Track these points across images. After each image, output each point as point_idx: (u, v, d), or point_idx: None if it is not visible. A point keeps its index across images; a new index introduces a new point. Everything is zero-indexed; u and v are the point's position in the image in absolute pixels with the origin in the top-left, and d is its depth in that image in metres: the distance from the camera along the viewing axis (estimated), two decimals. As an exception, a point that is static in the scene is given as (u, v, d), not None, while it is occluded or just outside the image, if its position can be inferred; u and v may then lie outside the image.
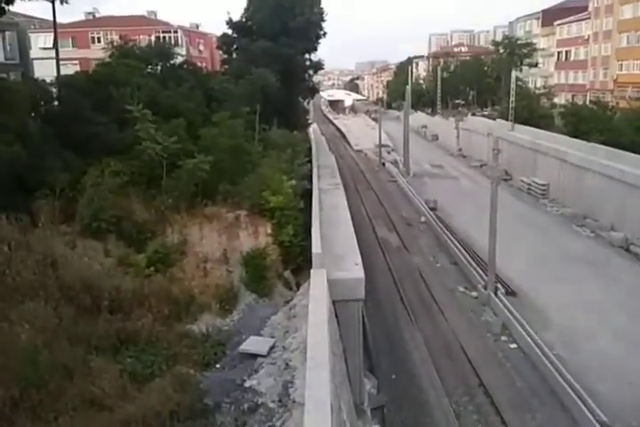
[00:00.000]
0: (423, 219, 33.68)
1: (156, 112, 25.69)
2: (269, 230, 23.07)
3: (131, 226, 20.17)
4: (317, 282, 14.71)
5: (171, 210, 22.21)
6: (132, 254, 18.67)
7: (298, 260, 22.66)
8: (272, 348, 14.64)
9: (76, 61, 46.41)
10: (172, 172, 23.57)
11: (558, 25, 67.30)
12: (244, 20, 44.51)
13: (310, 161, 36.66)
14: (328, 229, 20.79)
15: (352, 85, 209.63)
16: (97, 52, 39.00)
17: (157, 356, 13.95)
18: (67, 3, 28.92)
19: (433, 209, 34.76)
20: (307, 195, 27.39)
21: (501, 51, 69.14)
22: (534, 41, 68.96)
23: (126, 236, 19.77)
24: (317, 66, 47.70)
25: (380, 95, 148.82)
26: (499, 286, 22.44)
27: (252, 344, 15.00)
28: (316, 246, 16.56)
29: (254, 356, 14.40)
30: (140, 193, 22.13)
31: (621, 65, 55.53)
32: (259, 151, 29.51)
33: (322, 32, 45.25)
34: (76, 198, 20.41)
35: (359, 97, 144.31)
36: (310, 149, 43.87)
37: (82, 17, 54.75)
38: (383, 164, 53.45)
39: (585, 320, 20.16)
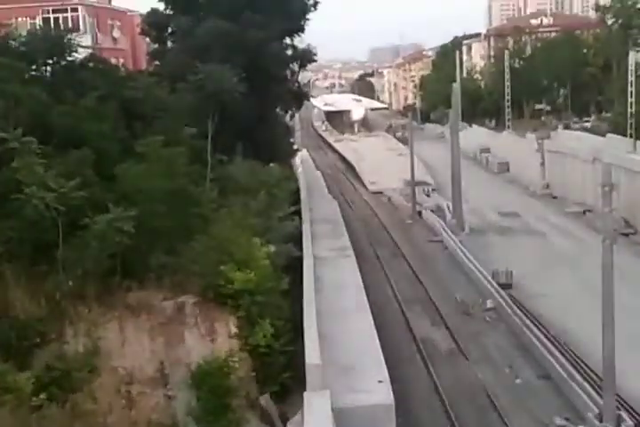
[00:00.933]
0: (490, 303, 34.19)
1: (47, 140, 26.54)
2: (234, 328, 23.51)
3: (8, 327, 20.65)
4: (316, 413, 15.32)
5: (72, 298, 22.67)
6: (10, 373, 19.11)
7: (282, 376, 23.03)
8: None
9: None
10: (74, 236, 24.08)
11: None
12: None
13: (299, 212, 37.57)
14: (331, 324, 21.45)
15: (364, 85, 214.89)
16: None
17: None
18: None
19: (506, 287, 35.34)
20: (294, 268, 28.04)
21: (610, 21, 71.63)
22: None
23: (2, 343, 20.22)
24: (306, 57, 49.64)
25: (411, 100, 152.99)
26: (623, 415, 22.74)
27: None
28: (312, 354, 17.20)
29: None
30: (21, 272, 22.67)
31: None
32: (213, 199, 30.34)
33: (311, 2, 47.57)
34: None
35: (375, 104, 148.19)
36: (298, 191, 44.94)
37: None
38: (419, 213, 54.52)
39: None
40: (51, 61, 34.34)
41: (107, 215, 23.86)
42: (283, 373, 23.18)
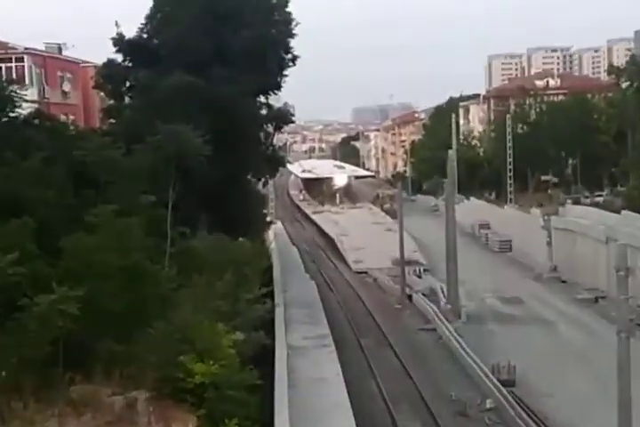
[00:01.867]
0: (490, 403, 33.94)
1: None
2: (193, 430, 23.21)
3: None
4: None
5: (5, 392, 22.35)
6: None
7: None
8: None
9: None
10: (10, 318, 23.85)
11: None
12: (144, 36, 47.72)
13: (271, 294, 37.52)
14: (306, 424, 21.23)
15: (347, 151, 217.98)
16: None
17: None
18: None
19: (508, 384, 35.10)
20: (265, 359, 27.87)
21: (624, 84, 73.37)
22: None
23: None
24: (282, 117, 50.57)
25: (401, 168, 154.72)
26: None
27: None
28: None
29: None
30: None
31: None
32: (172, 278, 30.26)
33: (289, 56, 48.67)
34: None
35: (360, 172, 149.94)
36: (271, 270, 44.94)
37: None
38: (409, 296, 54.56)
39: None
40: (-10, 117, 34.57)
41: (49, 295, 23.58)
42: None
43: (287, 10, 47.96)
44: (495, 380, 35.35)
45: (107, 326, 25.11)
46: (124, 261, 26.89)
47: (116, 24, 46.56)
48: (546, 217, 62.89)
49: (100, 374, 23.85)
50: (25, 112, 37.12)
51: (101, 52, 49.90)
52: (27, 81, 49.32)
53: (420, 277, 61.64)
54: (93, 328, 24.51)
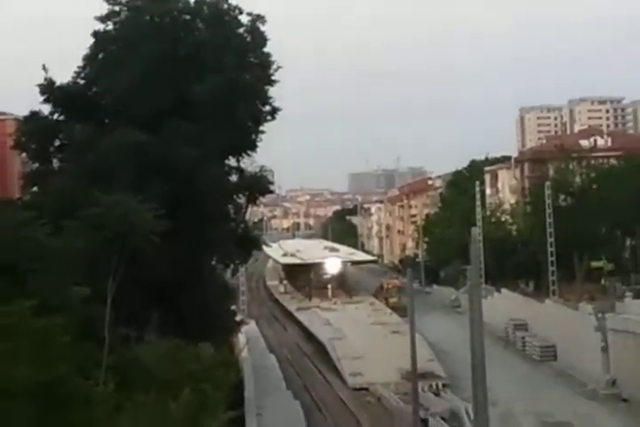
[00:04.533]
0: None
1: None
2: None
3: None
4: None
5: None
6: None
7: None
8: None
9: None
10: None
11: None
12: (81, 82, 47.78)
13: (241, 419, 36.75)
14: None
15: (342, 228, 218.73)
16: None
17: None
18: None
19: None
20: None
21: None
22: None
23: None
24: (258, 185, 50.43)
25: (411, 251, 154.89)
26: None
27: None
28: None
29: None
30: None
31: None
32: (109, 396, 29.64)
33: (267, 108, 48.80)
34: None
35: (359, 255, 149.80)
36: (241, 386, 44.18)
37: None
38: (424, 421, 53.62)
39: None
40: None
41: None
42: None
43: (265, 50, 48.14)
44: None
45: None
46: (44, 375, 26.38)
47: (44, 68, 46.70)
48: (600, 315, 62.43)
49: None
50: None
51: (25, 101, 49.89)
52: None
53: (437, 394, 60.82)
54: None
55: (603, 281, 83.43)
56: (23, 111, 49.95)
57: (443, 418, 53.65)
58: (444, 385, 62.93)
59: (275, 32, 48.17)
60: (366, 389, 64.62)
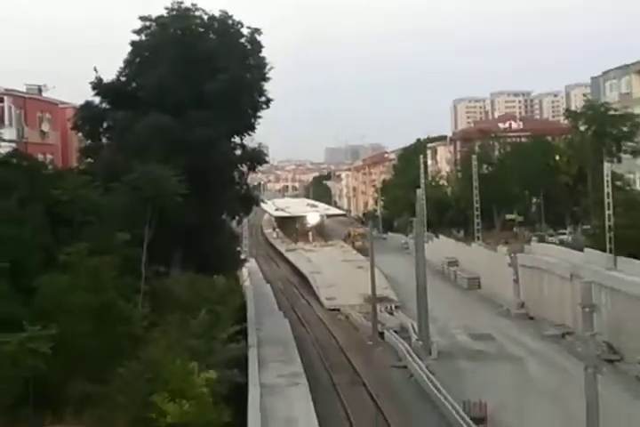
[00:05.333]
0: (462, 440, 33.42)
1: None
2: (165, 472, 22.50)
3: None
4: None
5: None
6: None
7: None
8: None
9: None
10: None
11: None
12: (122, 80, 47.59)
13: (244, 332, 36.91)
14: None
15: (320, 190, 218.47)
16: None
17: None
18: None
19: (479, 421, 34.39)
20: (238, 397, 27.16)
21: (582, 127, 74.10)
22: (637, 111, 74.06)
23: None
24: (256, 157, 50.31)
25: (372, 207, 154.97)
26: None
27: None
28: None
29: None
30: None
31: None
32: (145, 316, 29.72)
33: (263, 99, 48.61)
34: None
35: (332, 210, 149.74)
36: (244, 308, 44.35)
37: None
38: (381, 334, 53.91)
39: None
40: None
41: (19, 334, 23.12)
42: None
43: (261, 55, 48.00)
44: (466, 417, 34.68)
45: (78, 365, 24.73)
46: (96, 300, 26.56)
47: (95, 69, 46.81)
48: (512, 255, 62.81)
49: (70, 416, 23.37)
50: (2, 152, 36.84)
51: (81, 93, 49.74)
52: (5, 121, 49.16)
53: (391, 314, 61.08)
54: (64, 368, 24.05)
55: (515, 229, 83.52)
56: (73, 100, 50.09)
57: (395, 331, 53.98)
58: (396, 307, 63.19)
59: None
60: (338, 309, 64.95)
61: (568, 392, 34.53)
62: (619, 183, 60.57)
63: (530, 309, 58.90)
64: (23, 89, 58.23)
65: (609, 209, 50.81)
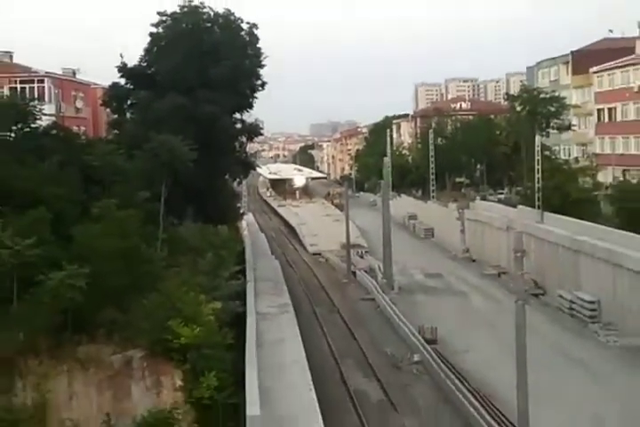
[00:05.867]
0: (417, 357, 33.78)
1: (6, 200, 25.99)
2: (179, 381, 22.80)
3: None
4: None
5: (22, 352, 21.85)
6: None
7: (226, 427, 22.28)
8: None
9: None
10: (27, 292, 23.45)
11: (596, 73, 72.59)
12: (143, 65, 47.09)
13: (244, 271, 37.15)
14: (271, 377, 20.90)
15: (305, 157, 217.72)
16: None
17: None
18: None
19: (432, 342, 34.96)
20: (238, 323, 27.47)
21: (518, 108, 74.13)
22: (564, 94, 74.27)
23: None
24: (253, 130, 50.10)
25: (347, 171, 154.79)
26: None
27: None
28: (253, 405, 16.58)
29: None
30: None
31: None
32: (163, 258, 29.87)
33: (259, 82, 48.24)
34: None
35: (315, 174, 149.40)
36: (243, 252, 44.54)
37: None
38: (354, 273, 54.29)
39: None
40: (14, 128, 33.92)
41: (60, 272, 23.38)
42: (225, 424, 22.35)
43: (257, 46, 47.59)
44: (421, 339, 35.28)
45: (108, 297, 24.93)
46: (123, 245, 26.77)
47: (121, 56, 46.24)
48: (460, 210, 62.93)
49: (102, 337, 23.72)
50: (44, 124, 36.66)
51: (108, 75, 49.42)
52: (46, 99, 48.82)
53: (362, 257, 61.19)
54: (97, 299, 24.29)
55: (462, 190, 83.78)
56: (106, 83, 49.67)
57: (365, 271, 54.31)
58: (365, 252, 63.31)
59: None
60: (319, 254, 65.17)
61: (502, 319, 34.89)
62: (547, 153, 60.86)
63: (473, 253, 59.26)
64: (60, 71, 58.00)
65: (538, 173, 51.19)
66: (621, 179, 59.06)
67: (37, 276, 23.46)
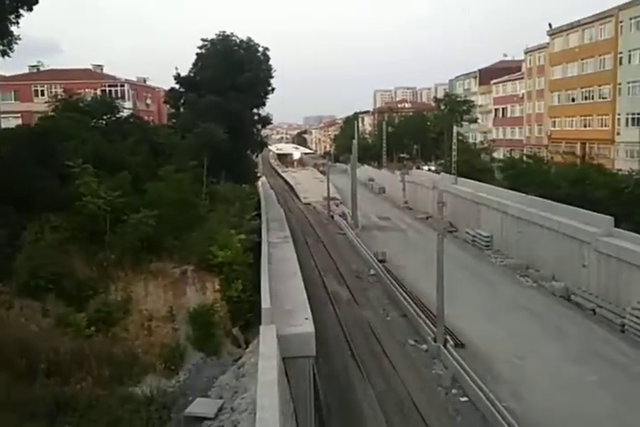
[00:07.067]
0: (372, 271, 34.12)
1: (101, 166, 25.74)
2: (217, 286, 22.92)
3: (71, 284, 19.72)
4: (267, 338, 14.65)
5: (114, 266, 21.88)
6: (71, 314, 18.13)
7: (247, 316, 22.49)
8: (220, 410, 14.32)
9: (18, 114, 46.17)
10: (116, 227, 23.38)
11: (494, 84, 72.69)
12: (192, 75, 46.07)
13: (259, 215, 37.14)
14: (277, 283, 20.90)
15: (300, 139, 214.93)
16: (40, 105, 38.86)
17: (97, 422, 13.38)
18: (8, 56, 28.71)
19: (382, 261, 35.29)
20: (256, 249, 27.55)
21: (442, 107, 73.60)
22: (473, 98, 73.99)
23: (66, 294, 19.28)
24: (266, 120, 49.43)
25: (328, 149, 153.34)
26: (448, 338, 22.77)
27: (199, 406, 14.65)
28: (266, 301, 16.62)
29: (201, 419, 14.02)
30: (81, 249, 21.81)
31: (554, 122, 60.13)
32: (206, 205, 29.76)
33: (270, 88, 47.40)
34: (14, 255, 19.85)
35: (307, 151, 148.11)
36: (259, 202, 44.42)
37: (25, 70, 54.56)
38: (332, 216, 54.29)
39: (532, 370, 20.76)
40: (105, 117, 33.39)
41: (138, 214, 23.32)
42: (247, 314, 22.65)
43: (269, 62, 46.86)
44: (375, 259, 35.58)
45: (170, 231, 24.93)
46: (179, 196, 26.58)
47: (176, 68, 45.49)
48: (402, 175, 62.63)
49: (166, 257, 23.74)
50: (125, 114, 36.10)
51: (168, 82, 48.48)
52: (126, 98, 48.03)
53: (337, 206, 60.81)
54: (162, 232, 24.35)
55: (404, 162, 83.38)
56: (166, 87, 48.74)
57: (339, 215, 54.25)
58: (340, 202, 63.13)
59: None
60: (309, 203, 65.00)
61: (428, 247, 35.07)
62: (460, 138, 60.73)
63: (410, 204, 59.08)
64: (135, 79, 56.89)
65: (454, 151, 51.08)
66: (508, 155, 59.12)
67: (122, 216, 23.46)
